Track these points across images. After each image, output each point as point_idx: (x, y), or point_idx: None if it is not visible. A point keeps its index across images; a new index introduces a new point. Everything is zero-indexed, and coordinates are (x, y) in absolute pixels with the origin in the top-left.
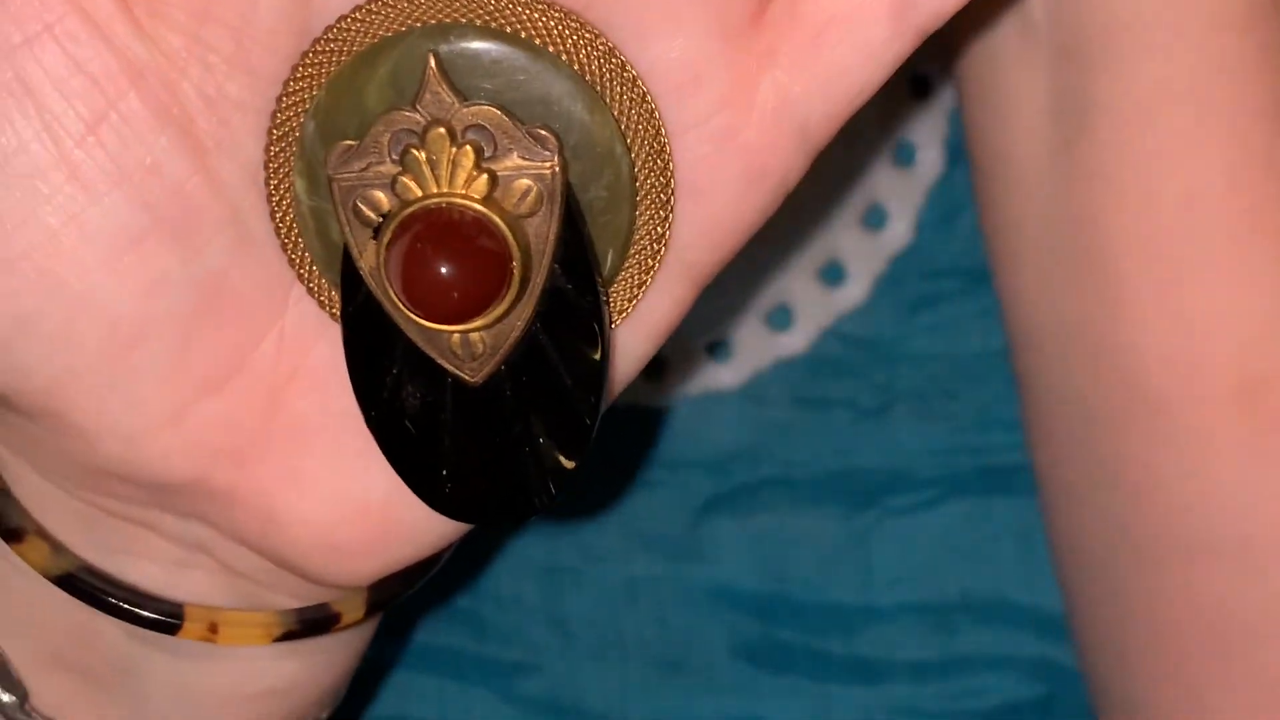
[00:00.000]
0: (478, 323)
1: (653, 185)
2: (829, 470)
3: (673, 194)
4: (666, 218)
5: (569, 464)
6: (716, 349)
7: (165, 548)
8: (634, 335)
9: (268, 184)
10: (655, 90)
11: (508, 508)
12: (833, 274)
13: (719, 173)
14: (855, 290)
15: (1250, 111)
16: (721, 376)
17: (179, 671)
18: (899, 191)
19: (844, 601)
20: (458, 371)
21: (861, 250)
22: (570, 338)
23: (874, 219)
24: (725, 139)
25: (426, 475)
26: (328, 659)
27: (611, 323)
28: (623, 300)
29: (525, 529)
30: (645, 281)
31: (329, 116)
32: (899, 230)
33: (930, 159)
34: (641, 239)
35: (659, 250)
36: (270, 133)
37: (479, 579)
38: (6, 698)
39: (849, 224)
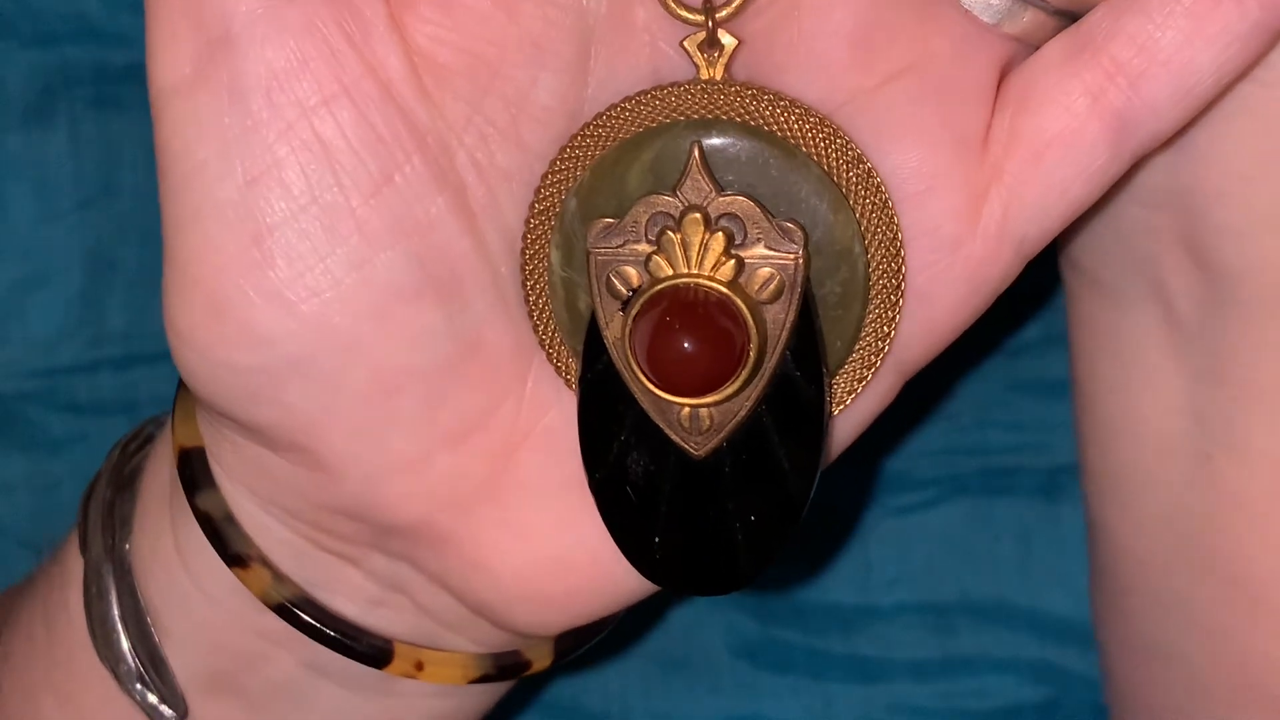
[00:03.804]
0: (709, 399)
1: (884, 286)
2: (829, 470)
3: (902, 296)
4: (894, 318)
5: (775, 544)
6: None
7: (364, 585)
8: (844, 425)
9: (523, 253)
10: (892, 196)
11: (712, 579)
12: None
13: (943, 279)
14: None
15: None
16: None
17: (341, 700)
18: None
19: (843, 601)
20: (683, 444)
21: None
22: (792, 423)
23: None
24: (953, 248)
25: (640, 540)
26: (476, 701)
27: (832, 413)
28: (842, 392)
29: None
30: (866, 377)
31: (590, 196)
32: None
33: None
34: (868, 336)
35: (883, 348)
36: (532, 205)
37: None
38: (167, 712)
39: None
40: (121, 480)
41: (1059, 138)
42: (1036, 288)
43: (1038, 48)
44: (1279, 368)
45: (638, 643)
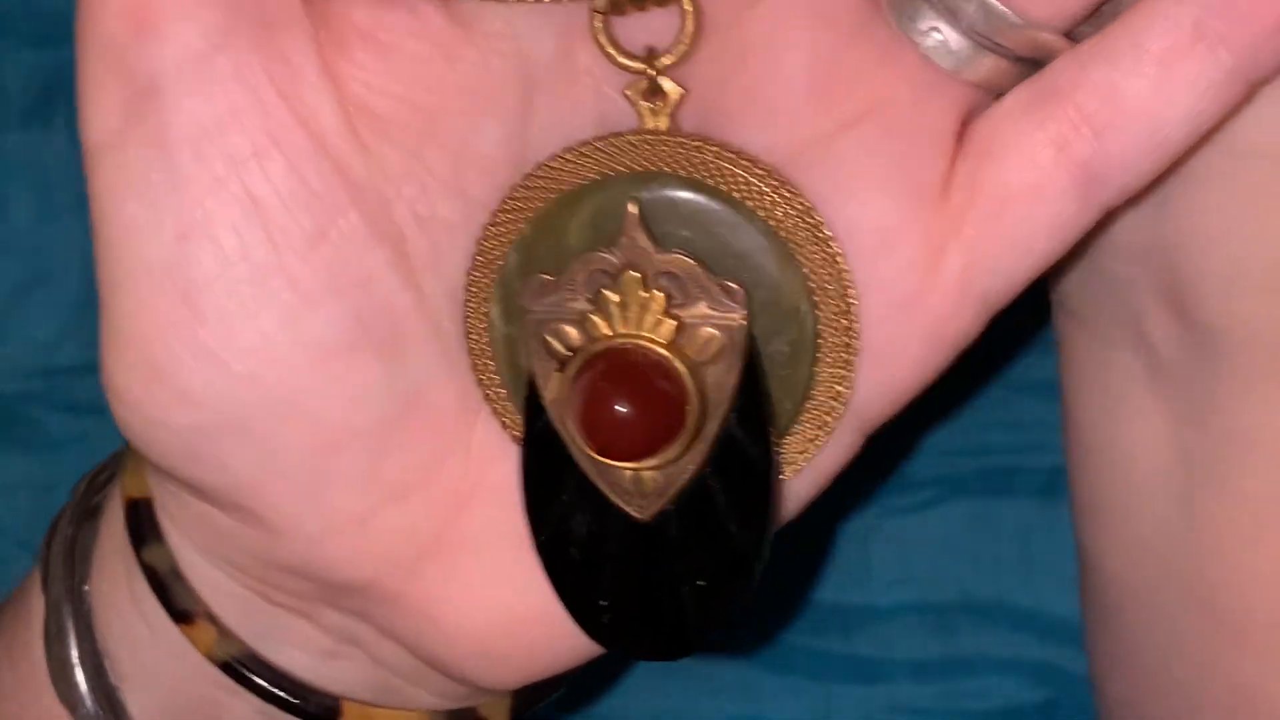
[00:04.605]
0: (650, 462)
1: (835, 344)
2: None
3: (855, 355)
4: (847, 377)
5: (725, 607)
6: None
7: (317, 638)
8: (802, 483)
9: (466, 306)
10: (846, 250)
11: (662, 644)
12: None
13: (901, 336)
14: None
15: None
16: None
17: None
18: None
19: (844, 601)
20: (626, 507)
21: None
22: (739, 485)
23: None
24: (911, 304)
25: (586, 603)
26: None
27: (782, 474)
28: (795, 453)
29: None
30: (820, 437)
31: (530, 250)
32: None
33: None
34: (819, 395)
35: (837, 408)
36: (474, 259)
37: None
38: None
39: None
40: (84, 518)
41: (1023, 191)
42: (1036, 289)
43: (1001, 95)
44: (1259, 417)
45: None
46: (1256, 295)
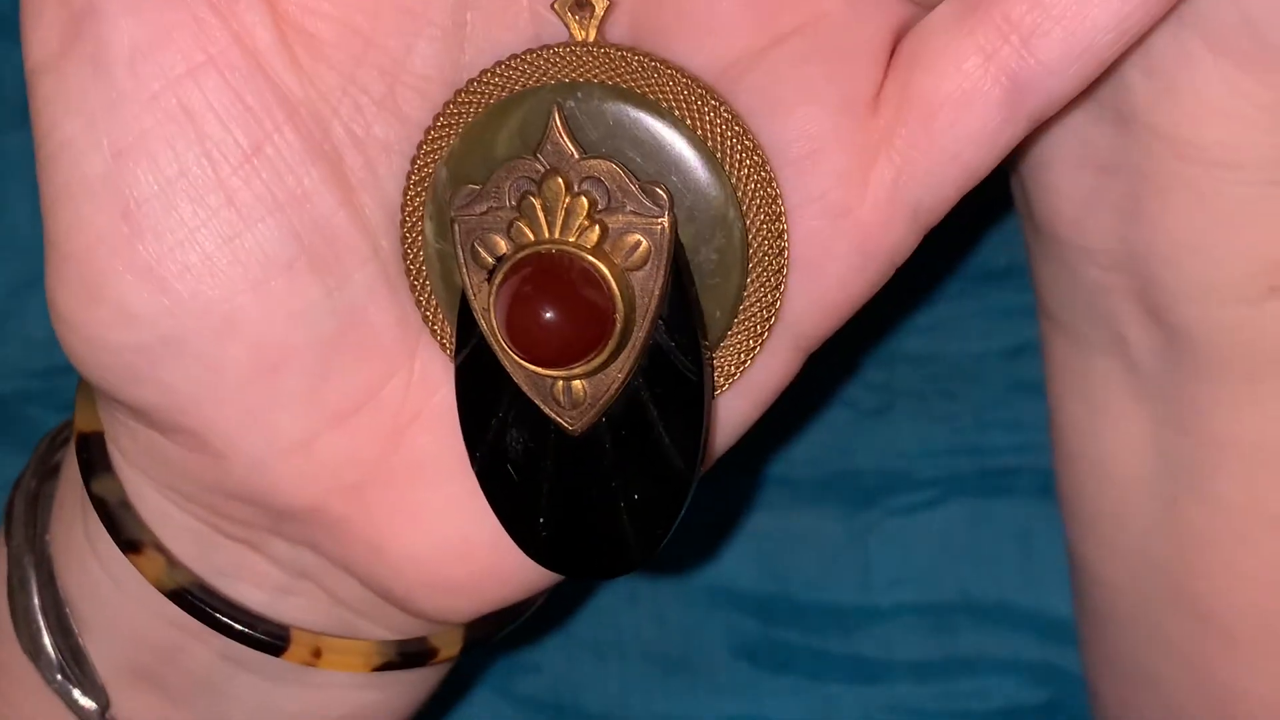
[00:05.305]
0: (578, 370)
1: (765, 253)
2: (829, 470)
3: (785, 263)
4: (778, 286)
5: (662, 524)
6: None
7: (271, 572)
8: (739, 400)
9: (402, 225)
10: (776, 161)
11: (600, 562)
12: None
13: (832, 247)
14: None
15: None
16: None
17: (263, 693)
18: None
19: (844, 601)
20: (559, 419)
21: None
22: (671, 395)
23: None
24: (840, 215)
25: (525, 521)
26: (406, 691)
27: (717, 387)
28: (730, 365)
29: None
30: (754, 349)
31: (460, 163)
32: None
33: None
34: (751, 306)
35: (769, 319)
36: (409, 176)
37: None
38: (88, 703)
39: None
40: (46, 471)
41: (951, 99)
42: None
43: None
44: (1235, 421)
45: (638, 643)
46: (1230, 303)
